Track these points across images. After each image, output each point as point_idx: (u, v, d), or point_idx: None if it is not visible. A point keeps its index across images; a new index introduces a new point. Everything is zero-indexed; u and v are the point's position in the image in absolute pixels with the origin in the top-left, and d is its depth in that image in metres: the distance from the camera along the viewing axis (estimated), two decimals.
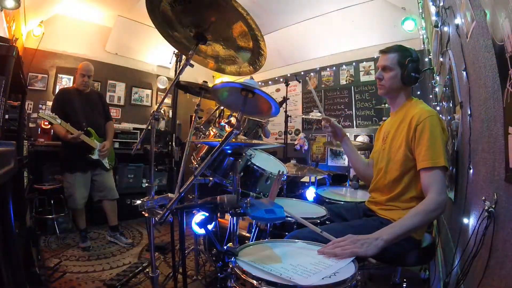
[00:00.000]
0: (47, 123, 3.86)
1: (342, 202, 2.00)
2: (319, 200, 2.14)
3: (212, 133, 1.90)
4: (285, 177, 2.06)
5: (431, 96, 2.70)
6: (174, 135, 2.89)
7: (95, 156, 2.82)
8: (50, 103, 4.18)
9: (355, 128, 4.29)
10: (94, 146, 2.81)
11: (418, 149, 1.27)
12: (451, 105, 1.55)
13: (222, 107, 2.34)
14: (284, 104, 3.66)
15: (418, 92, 3.38)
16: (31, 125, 3.97)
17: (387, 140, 1.47)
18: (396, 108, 1.51)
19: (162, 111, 4.09)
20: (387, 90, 1.48)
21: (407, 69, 1.40)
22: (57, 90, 4.24)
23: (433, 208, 1.16)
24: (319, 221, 1.52)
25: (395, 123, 1.44)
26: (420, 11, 3.16)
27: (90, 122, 2.86)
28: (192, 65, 1.42)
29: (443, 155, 1.22)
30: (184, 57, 1.46)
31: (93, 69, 2.94)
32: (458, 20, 1.28)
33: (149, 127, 1.45)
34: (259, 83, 5.56)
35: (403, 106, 1.47)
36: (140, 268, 2.33)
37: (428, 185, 1.22)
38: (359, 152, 1.82)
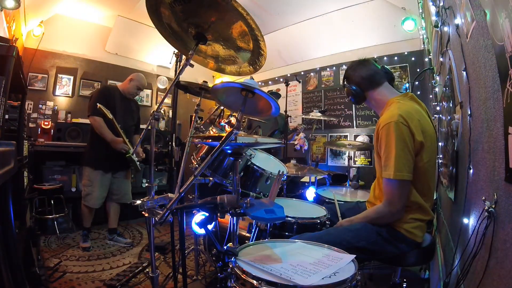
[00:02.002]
0: (47, 123, 3.87)
1: (343, 202, 2.00)
2: (319, 200, 2.14)
3: (212, 133, 1.90)
4: (285, 177, 2.06)
5: (431, 96, 2.70)
6: (174, 135, 2.89)
7: (134, 157, 2.84)
8: (50, 103, 4.19)
9: (355, 128, 4.28)
10: (130, 147, 2.85)
11: (381, 156, 1.29)
12: (451, 105, 1.54)
13: (222, 107, 2.34)
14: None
15: (418, 92, 3.38)
16: (31, 125, 3.97)
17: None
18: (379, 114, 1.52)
19: (162, 111, 4.11)
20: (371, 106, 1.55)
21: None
22: (57, 90, 4.25)
23: (374, 217, 1.32)
24: (319, 221, 1.52)
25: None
26: (420, 11, 3.16)
27: (124, 127, 2.88)
28: (192, 65, 1.42)
29: (394, 167, 1.19)
30: (184, 57, 1.46)
31: (146, 83, 3.13)
32: (458, 20, 1.28)
33: (149, 127, 1.45)
34: (259, 83, 5.56)
35: (382, 111, 1.45)
36: (140, 268, 2.33)
37: (383, 193, 1.29)
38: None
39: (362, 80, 1.46)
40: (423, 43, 3.26)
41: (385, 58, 3.93)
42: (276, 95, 4.13)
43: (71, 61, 4.39)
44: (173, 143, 2.86)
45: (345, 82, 1.55)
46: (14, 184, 1.58)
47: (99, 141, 2.76)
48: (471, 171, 1.07)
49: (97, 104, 2.63)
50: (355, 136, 4.24)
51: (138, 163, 2.94)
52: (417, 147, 1.24)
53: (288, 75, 5.06)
